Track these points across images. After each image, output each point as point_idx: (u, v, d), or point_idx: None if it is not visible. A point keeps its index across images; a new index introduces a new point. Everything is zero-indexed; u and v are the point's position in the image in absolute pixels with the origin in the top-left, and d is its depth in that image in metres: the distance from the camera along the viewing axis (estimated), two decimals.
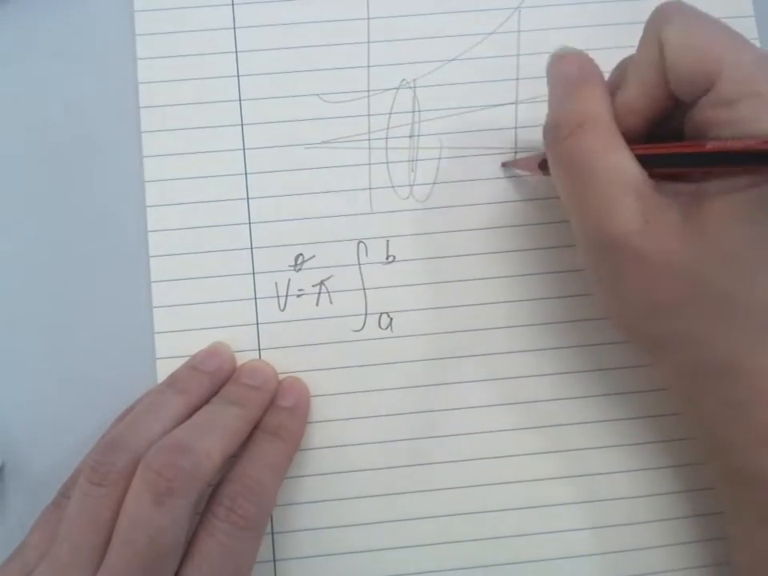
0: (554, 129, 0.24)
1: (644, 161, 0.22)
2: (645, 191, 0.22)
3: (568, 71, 0.24)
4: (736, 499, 0.24)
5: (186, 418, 0.25)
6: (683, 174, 0.22)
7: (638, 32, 0.30)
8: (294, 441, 0.27)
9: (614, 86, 0.24)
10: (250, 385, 0.27)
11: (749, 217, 0.20)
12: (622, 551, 0.28)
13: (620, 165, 0.22)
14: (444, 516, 0.28)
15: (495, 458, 0.28)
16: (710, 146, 0.21)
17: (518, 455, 0.28)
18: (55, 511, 0.25)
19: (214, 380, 0.27)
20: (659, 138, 0.24)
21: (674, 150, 0.22)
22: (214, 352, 0.28)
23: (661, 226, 0.21)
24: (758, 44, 0.31)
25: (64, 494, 0.26)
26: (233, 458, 0.25)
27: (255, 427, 0.27)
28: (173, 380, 0.27)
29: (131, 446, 0.24)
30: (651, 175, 0.22)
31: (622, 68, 0.25)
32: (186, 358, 0.28)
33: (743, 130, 0.20)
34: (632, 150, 0.22)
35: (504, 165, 0.30)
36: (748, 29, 0.31)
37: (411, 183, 0.30)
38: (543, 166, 0.26)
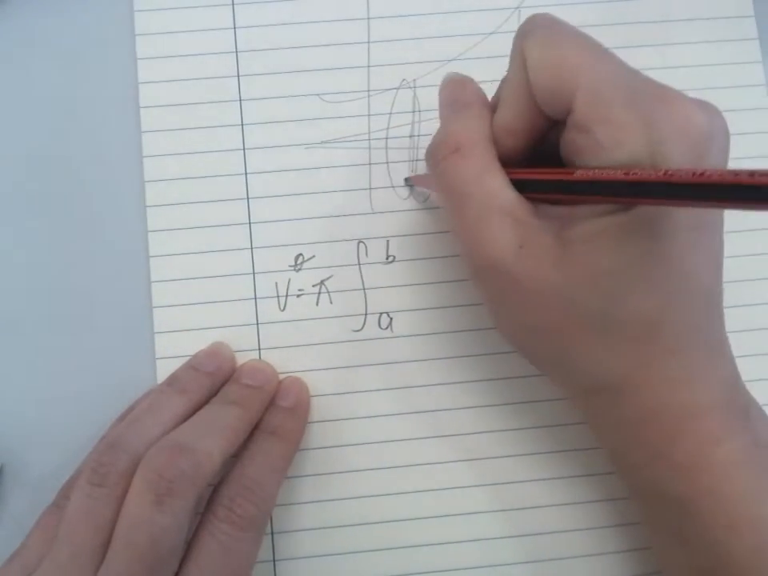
0: (432, 150, 0.24)
1: (520, 185, 0.22)
2: (520, 215, 0.22)
3: (453, 96, 0.25)
4: (647, 513, 0.24)
5: (186, 418, 0.25)
6: (559, 200, 0.22)
7: (637, 32, 0.31)
8: (294, 441, 0.27)
9: (495, 107, 0.24)
10: (250, 385, 0.27)
11: (613, 240, 0.20)
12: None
13: (494, 189, 0.22)
14: (445, 516, 0.28)
15: (498, 457, 0.28)
16: (576, 174, 0.20)
17: (535, 453, 0.29)
18: (55, 512, 0.25)
19: (214, 380, 0.27)
20: (544, 157, 0.23)
21: (542, 177, 0.22)
22: (214, 352, 0.28)
23: (535, 250, 0.21)
24: (758, 44, 0.31)
25: (64, 495, 0.26)
26: (233, 458, 0.25)
27: (255, 427, 0.27)
28: (173, 380, 0.27)
29: (131, 446, 0.24)
30: (529, 199, 0.22)
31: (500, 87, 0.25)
32: (186, 358, 0.28)
33: (602, 156, 0.20)
34: (507, 173, 0.22)
35: (406, 181, 0.30)
36: (748, 29, 0.31)
37: (411, 183, 0.30)
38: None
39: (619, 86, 0.20)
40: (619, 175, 0.19)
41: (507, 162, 0.23)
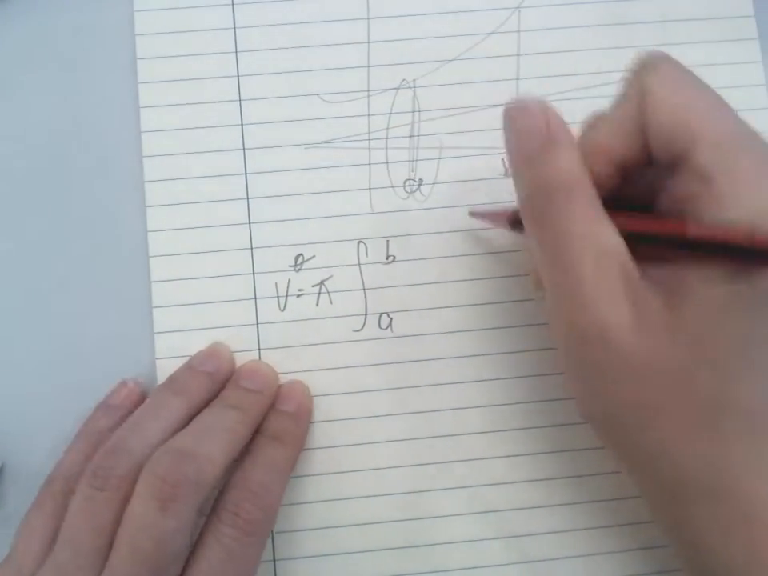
0: (531, 194, 0.21)
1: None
2: (632, 275, 0.20)
3: (534, 127, 0.21)
4: None
5: (186, 420, 0.26)
6: (659, 254, 0.20)
7: (637, 32, 0.31)
8: (297, 445, 0.27)
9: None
10: (250, 389, 0.27)
11: (737, 316, 0.19)
12: None
13: (608, 242, 0.20)
14: (447, 516, 0.28)
15: (500, 457, 0.28)
16: (690, 231, 0.19)
17: (530, 454, 0.29)
18: (40, 514, 0.25)
19: (213, 380, 0.27)
20: (626, 198, 0.22)
21: (653, 229, 0.20)
22: (213, 353, 0.28)
23: (649, 317, 0.19)
24: (758, 44, 0.31)
25: (47, 495, 0.26)
26: (235, 462, 0.25)
27: (257, 431, 0.27)
28: (172, 381, 0.27)
29: (132, 450, 0.24)
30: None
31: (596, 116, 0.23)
32: (186, 358, 0.28)
33: (720, 209, 0.19)
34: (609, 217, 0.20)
35: (471, 214, 0.29)
36: (748, 29, 0.31)
37: (411, 183, 0.30)
38: (513, 223, 0.24)
39: (745, 139, 0.20)
40: (744, 236, 0.17)
41: None
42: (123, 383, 0.28)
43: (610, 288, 0.19)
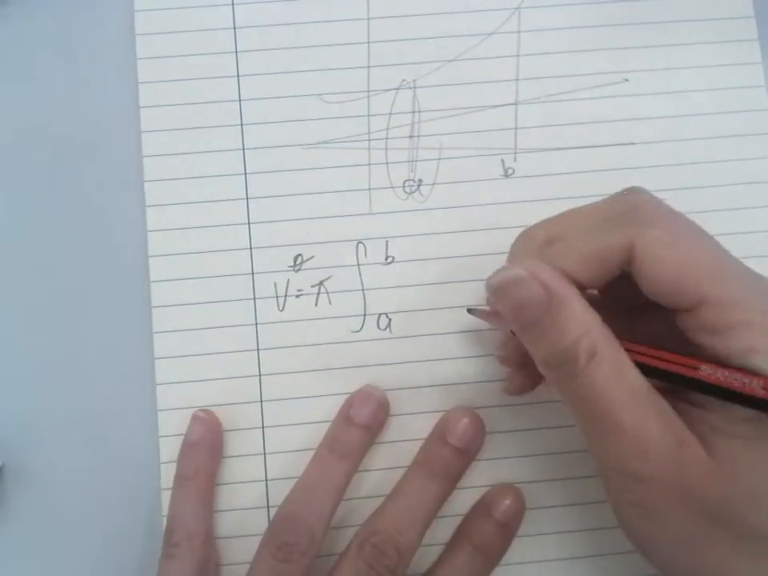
0: (548, 365, 0.21)
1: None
2: (669, 414, 0.20)
3: (534, 298, 0.21)
4: None
5: (349, 479, 0.27)
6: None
7: (635, 33, 0.31)
8: (498, 562, 0.27)
9: (560, 230, 0.23)
10: (458, 448, 0.27)
11: (763, 452, 0.19)
12: None
13: (642, 391, 0.20)
14: (447, 517, 0.28)
15: (499, 459, 0.28)
16: (703, 373, 0.19)
17: (519, 456, 0.28)
18: (171, 565, 0.26)
19: (372, 435, 0.28)
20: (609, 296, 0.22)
21: (667, 368, 0.20)
22: (367, 397, 0.28)
23: (691, 454, 0.19)
24: (757, 45, 0.31)
25: (172, 544, 0.26)
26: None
27: (461, 534, 0.27)
28: (334, 441, 0.27)
29: (311, 525, 0.25)
30: None
31: (577, 215, 0.23)
32: (184, 358, 0.28)
33: (735, 358, 0.19)
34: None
35: (470, 311, 0.27)
36: (748, 30, 0.31)
37: (411, 184, 0.30)
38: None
39: (750, 289, 0.20)
40: (756, 390, 0.18)
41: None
42: (195, 417, 0.28)
43: (656, 436, 0.20)
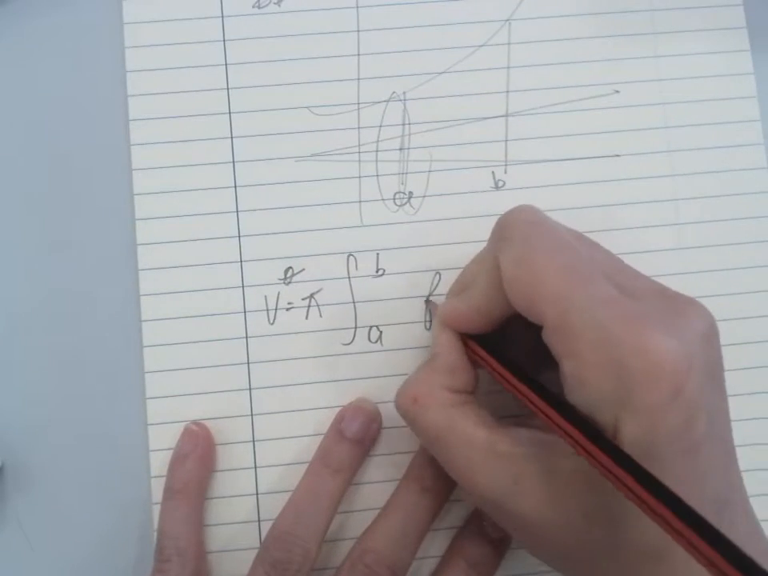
0: (396, 401, 0.25)
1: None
2: (503, 448, 0.22)
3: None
4: None
5: (345, 492, 0.27)
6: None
7: (628, 44, 0.31)
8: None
9: (466, 282, 0.25)
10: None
11: (601, 482, 0.19)
12: None
13: (468, 433, 0.22)
14: (450, 528, 0.28)
15: None
16: (536, 409, 0.20)
17: None
18: None
19: (364, 449, 0.28)
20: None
21: (510, 389, 0.22)
22: (358, 410, 0.28)
23: (527, 485, 0.21)
24: (749, 56, 0.31)
25: (164, 559, 0.26)
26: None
27: (453, 552, 0.27)
28: (325, 455, 0.27)
29: (304, 542, 0.25)
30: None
31: (475, 264, 0.26)
32: (174, 372, 0.28)
33: (568, 390, 0.20)
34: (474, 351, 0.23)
35: (427, 303, 0.29)
36: (740, 40, 0.31)
37: (401, 196, 0.30)
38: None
39: (590, 318, 0.19)
40: (571, 429, 0.19)
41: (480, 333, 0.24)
42: (187, 430, 0.28)
43: (486, 469, 0.22)
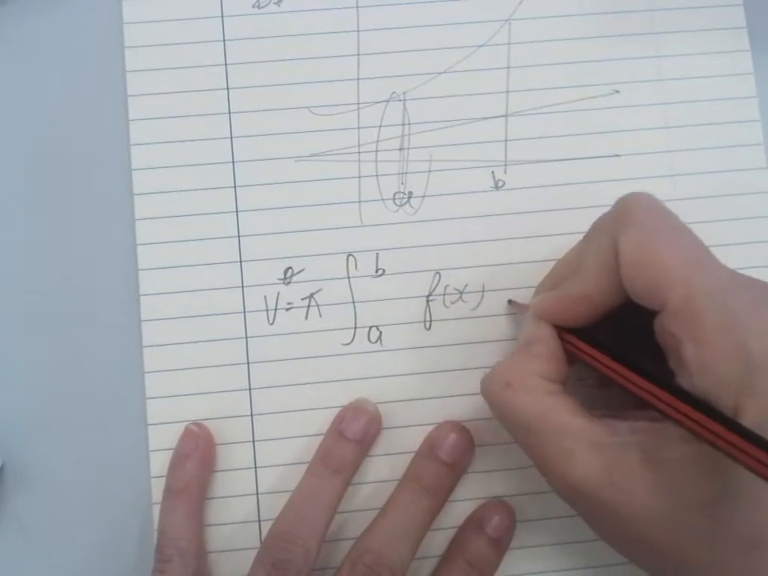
0: (483, 385, 0.24)
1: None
2: (599, 439, 0.21)
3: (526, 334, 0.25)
4: None
5: (343, 493, 0.26)
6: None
7: (629, 44, 0.31)
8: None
9: (564, 274, 0.24)
10: (447, 462, 0.27)
11: (710, 466, 0.19)
12: None
13: (563, 420, 0.22)
14: (447, 528, 0.28)
15: (492, 471, 0.28)
16: (654, 393, 0.20)
17: (510, 470, 0.28)
18: None
19: (364, 449, 0.28)
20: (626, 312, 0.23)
21: (620, 382, 0.21)
22: (359, 411, 0.28)
23: (625, 477, 0.20)
24: (749, 56, 0.31)
25: (164, 559, 0.26)
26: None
27: (454, 552, 0.27)
28: (326, 455, 0.27)
29: (304, 542, 0.25)
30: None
31: (574, 256, 0.25)
32: (174, 372, 0.28)
33: (686, 375, 0.20)
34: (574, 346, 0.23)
35: (509, 303, 0.29)
36: (740, 40, 0.31)
37: (401, 196, 0.30)
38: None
39: (715, 303, 0.19)
40: (690, 411, 0.19)
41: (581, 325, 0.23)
42: (187, 430, 0.28)
43: (580, 460, 0.21)
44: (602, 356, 0.22)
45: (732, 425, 0.18)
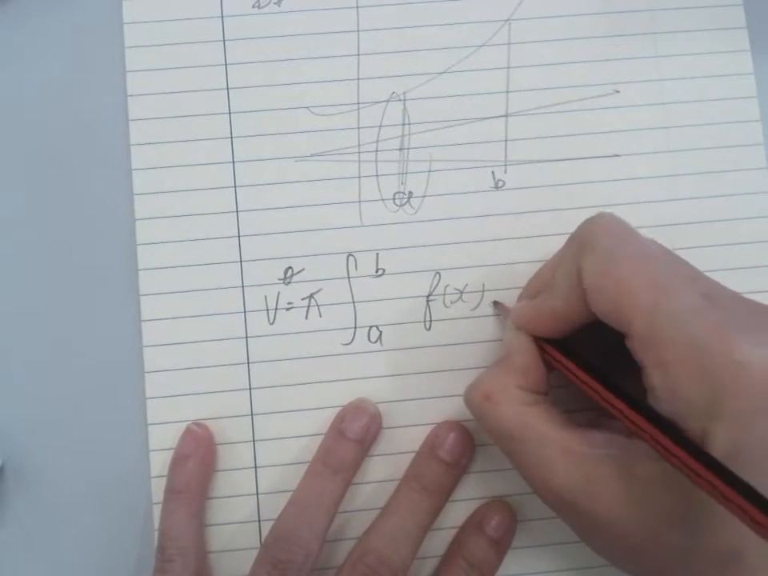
0: (465, 396, 0.25)
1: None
2: (577, 448, 0.22)
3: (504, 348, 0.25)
4: None
5: (344, 493, 0.26)
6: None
7: (628, 44, 0.31)
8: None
9: (541, 285, 0.25)
10: (448, 462, 0.27)
11: (683, 486, 0.19)
12: None
13: (542, 430, 0.22)
14: (446, 528, 0.28)
15: (491, 471, 0.28)
16: (627, 420, 0.20)
17: (510, 469, 0.28)
18: None
19: (364, 449, 0.27)
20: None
21: (594, 397, 0.22)
22: (359, 410, 0.28)
23: (602, 487, 0.21)
24: (749, 56, 0.31)
25: (165, 559, 0.26)
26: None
27: (455, 551, 0.27)
28: (327, 455, 0.27)
29: (305, 542, 0.25)
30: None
31: (550, 268, 0.25)
32: (174, 372, 0.28)
33: (654, 399, 0.20)
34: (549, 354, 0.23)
35: (494, 304, 0.29)
36: (740, 40, 0.31)
37: (401, 196, 0.30)
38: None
39: (678, 328, 0.20)
40: (659, 435, 0.19)
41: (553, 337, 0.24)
42: (188, 430, 0.28)
43: (560, 468, 0.22)
44: (578, 369, 0.22)
45: (698, 453, 0.18)
